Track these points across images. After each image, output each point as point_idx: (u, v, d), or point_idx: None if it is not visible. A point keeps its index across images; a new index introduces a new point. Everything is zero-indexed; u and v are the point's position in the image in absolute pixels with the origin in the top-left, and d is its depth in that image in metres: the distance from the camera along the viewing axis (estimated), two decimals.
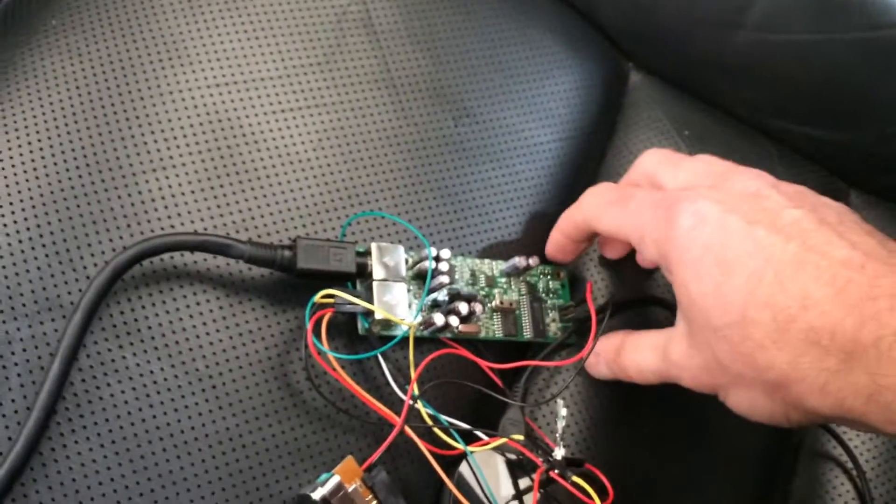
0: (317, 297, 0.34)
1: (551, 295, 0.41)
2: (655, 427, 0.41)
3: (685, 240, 0.32)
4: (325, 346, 0.34)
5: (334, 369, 0.34)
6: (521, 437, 0.36)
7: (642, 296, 0.43)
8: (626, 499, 0.36)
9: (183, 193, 0.37)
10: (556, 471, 0.35)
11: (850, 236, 0.30)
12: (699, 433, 0.42)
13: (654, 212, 0.33)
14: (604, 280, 0.43)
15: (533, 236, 0.44)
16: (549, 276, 0.42)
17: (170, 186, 0.36)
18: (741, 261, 0.30)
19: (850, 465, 0.43)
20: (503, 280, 0.40)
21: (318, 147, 0.40)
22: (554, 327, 0.41)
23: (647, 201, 0.34)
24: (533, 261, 0.40)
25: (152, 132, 0.37)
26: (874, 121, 0.49)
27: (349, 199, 0.40)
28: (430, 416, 0.35)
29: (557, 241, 0.41)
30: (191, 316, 0.35)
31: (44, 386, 0.31)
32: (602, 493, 0.34)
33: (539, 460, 0.35)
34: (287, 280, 0.37)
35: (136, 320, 0.34)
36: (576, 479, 0.34)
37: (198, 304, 0.35)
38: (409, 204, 0.41)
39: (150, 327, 0.34)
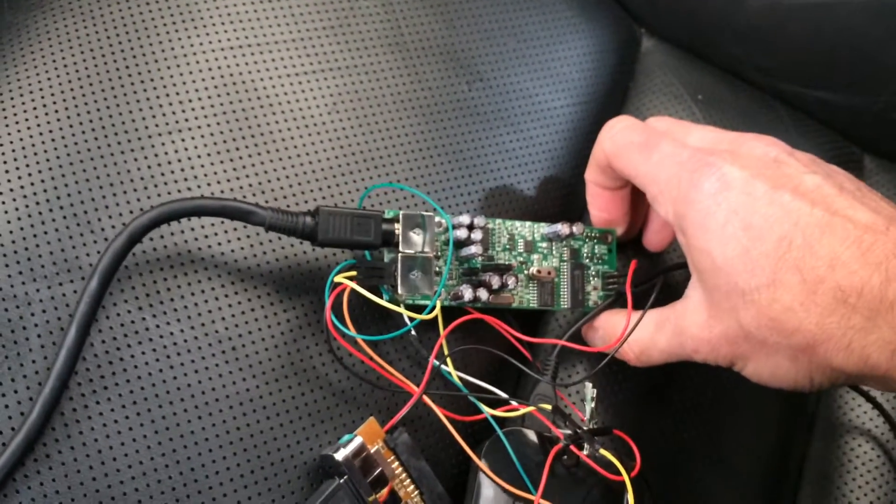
0: (335, 276, 0.33)
1: (596, 260, 0.39)
2: (682, 399, 0.41)
3: (709, 204, 0.31)
4: (347, 323, 0.33)
5: (357, 349, 0.34)
6: (548, 407, 0.35)
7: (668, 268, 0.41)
8: (652, 469, 0.37)
9: (199, 156, 0.36)
10: (581, 442, 0.34)
11: (868, 202, 0.30)
12: (722, 403, 0.42)
13: (678, 170, 0.33)
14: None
15: (552, 204, 0.44)
16: (595, 240, 0.39)
17: (185, 149, 0.36)
18: (769, 225, 0.30)
19: (867, 425, 0.43)
20: (543, 245, 0.38)
21: (332, 111, 0.40)
22: (595, 296, 0.39)
23: (673, 158, 0.34)
24: (577, 228, 0.38)
25: (167, 95, 0.37)
26: (887, 84, 0.48)
27: (364, 162, 0.39)
28: (456, 381, 0.35)
29: (591, 191, 0.39)
30: (209, 279, 0.35)
31: (60, 350, 0.31)
32: (628, 464, 0.34)
33: (560, 433, 0.34)
34: (308, 247, 0.36)
35: (154, 283, 0.34)
36: (603, 451, 0.33)
37: (216, 268, 0.35)
38: (423, 168, 0.41)
39: (168, 289, 0.34)
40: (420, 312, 0.34)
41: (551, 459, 0.33)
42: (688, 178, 0.32)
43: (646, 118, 0.48)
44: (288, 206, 0.37)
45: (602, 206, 0.39)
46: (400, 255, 0.34)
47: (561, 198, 0.44)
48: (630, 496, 0.32)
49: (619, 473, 0.33)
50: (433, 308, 0.34)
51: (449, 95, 0.43)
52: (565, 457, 0.34)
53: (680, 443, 0.41)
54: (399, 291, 0.34)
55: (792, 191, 0.30)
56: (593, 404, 0.36)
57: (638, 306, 0.37)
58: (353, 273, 0.34)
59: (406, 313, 0.34)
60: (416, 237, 0.35)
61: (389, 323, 0.37)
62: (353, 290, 0.33)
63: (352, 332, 0.33)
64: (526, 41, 0.46)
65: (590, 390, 0.36)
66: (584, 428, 0.34)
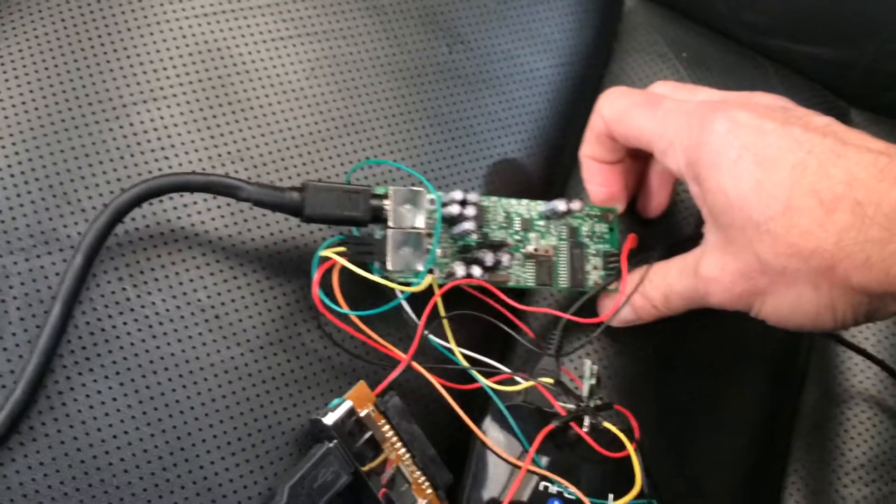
0: (322, 251, 0.33)
1: (596, 239, 0.38)
2: (681, 365, 0.41)
3: (720, 143, 0.31)
4: (338, 299, 0.32)
5: (346, 324, 0.34)
6: (550, 381, 0.35)
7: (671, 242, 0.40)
8: (651, 434, 0.36)
9: (176, 125, 0.36)
10: (581, 419, 0.34)
11: (876, 139, 0.30)
12: (719, 365, 0.42)
13: (686, 119, 0.33)
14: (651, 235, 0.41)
15: (537, 167, 0.43)
16: (595, 219, 0.38)
17: (161, 118, 0.36)
18: (782, 155, 0.30)
19: (858, 377, 0.43)
20: (541, 223, 0.37)
21: (310, 76, 0.39)
22: (595, 275, 0.38)
23: (679, 109, 0.34)
24: (575, 205, 0.37)
25: (141, 63, 0.36)
26: (873, 37, 0.48)
27: (345, 128, 0.39)
28: (453, 349, 0.34)
29: (587, 168, 0.38)
30: (193, 252, 0.34)
31: (45, 328, 0.31)
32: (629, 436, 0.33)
33: (561, 408, 0.34)
34: (295, 223, 0.36)
35: (137, 256, 0.34)
36: (606, 424, 0.33)
37: (200, 242, 0.35)
38: (405, 132, 0.40)
39: (150, 260, 0.34)
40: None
41: (541, 438, 0.33)
42: (698, 125, 0.32)
43: (631, 77, 0.48)
44: (268, 173, 0.37)
45: (601, 181, 0.38)
46: (390, 230, 0.34)
47: (546, 160, 0.44)
48: (637, 470, 0.32)
49: (616, 447, 0.33)
50: (424, 279, 0.34)
51: (429, 59, 0.42)
52: (569, 432, 0.34)
53: (679, 407, 0.41)
54: (389, 267, 0.33)
55: (802, 126, 0.31)
56: (593, 381, 0.36)
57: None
58: (342, 249, 0.33)
59: (397, 287, 0.34)
60: (407, 213, 0.34)
61: (379, 302, 0.35)
62: (343, 267, 0.33)
63: (343, 308, 0.33)
64: (507, 1, 0.45)
65: (589, 368, 0.36)
66: (585, 404, 0.34)
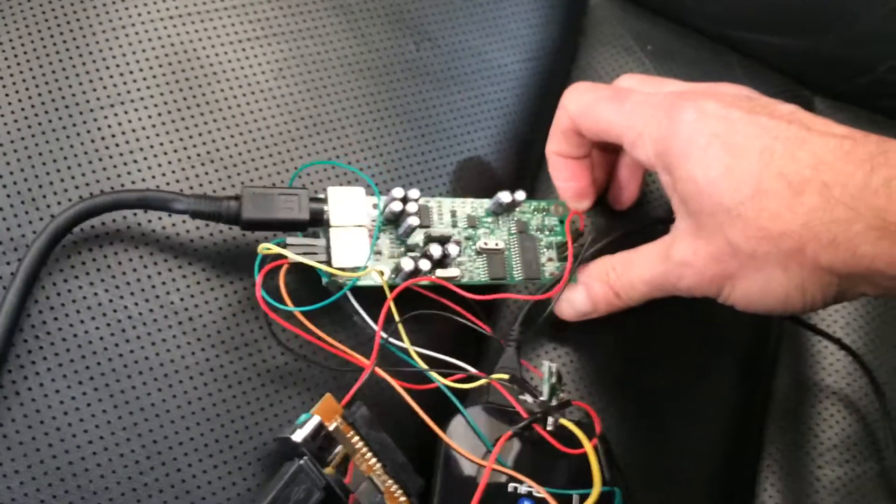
0: (260, 249, 0.32)
1: (547, 232, 0.39)
2: (648, 357, 0.41)
3: (689, 132, 0.32)
4: (287, 301, 0.32)
5: (295, 325, 0.33)
6: (505, 377, 0.35)
7: (629, 228, 0.40)
8: (621, 428, 0.37)
9: (144, 128, 0.36)
10: (544, 418, 0.34)
11: (840, 125, 0.31)
12: (688, 355, 0.42)
13: (654, 111, 0.33)
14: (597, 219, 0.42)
15: (506, 163, 0.43)
16: (544, 213, 0.39)
17: (129, 122, 0.36)
18: (750, 141, 0.31)
19: (829, 360, 0.44)
20: (489, 220, 0.38)
21: (278, 76, 0.39)
22: (551, 266, 0.38)
23: (646, 102, 0.34)
24: (519, 195, 0.37)
25: (107, 67, 0.36)
26: (836, 25, 0.49)
27: (315, 126, 0.39)
28: (411, 353, 0.34)
29: (554, 164, 0.39)
30: (160, 253, 0.34)
31: None
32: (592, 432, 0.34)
33: (523, 411, 0.34)
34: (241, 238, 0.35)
35: (105, 257, 0.33)
36: (563, 421, 0.33)
37: (166, 242, 0.34)
38: (375, 130, 0.40)
39: (120, 262, 0.34)
40: (357, 293, 0.33)
41: (501, 445, 0.33)
42: (666, 116, 0.33)
43: (598, 71, 0.48)
44: (238, 174, 0.37)
45: (568, 176, 0.39)
46: (332, 228, 0.34)
47: (515, 155, 0.44)
48: (595, 466, 0.32)
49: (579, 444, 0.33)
50: (365, 267, 0.34)
51: (396, 56, 0.42)
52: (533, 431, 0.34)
53: (649, 398, 0.41)
54: (334, 263, 0.33)
55: (768, 114, 0.31)
56: (554, 380, 0.36)
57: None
58: (272, 244, 0.32)
59: (342, 274, 0.33)
60: (347, 212, 0.34)
61: (332, 308, 0.34)
62: (289, 272, 0.33)
63: (289, 306, 0.32)
64: None
65: (548, 367, 0.36)
66: (543, 401, 0.34)
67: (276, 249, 0.32)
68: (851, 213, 0.29)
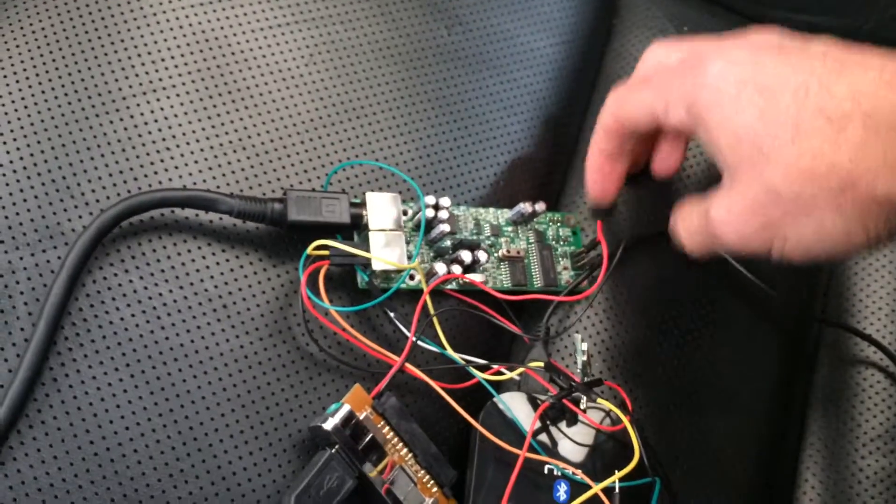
0: (309, 249, 0.33)
1: (562, 242, 0.40)
2: (679, 339, 0.41)
3: (717, 81, 0.31)
4: (324, 299, 0.33)
5: (333, 322, 0.34)
6: (540, 364, 0.35)
7: (658, 230, 0.40)
8: (654, 412, 0.36)
9: (176, 115, 0.36)
10: (576, 397, 0.34)
11: (874, 54, 0.30)
12: (721, 339, 0.41)
13: (681, 70, 0.33)
14: (617, 224, 0.42)
15: (540, 146, 0.43)
16: (559, 224, 0.40)
17: (161, 109, 0.36)
18: (782, 81, 0.30)
19: (865, 352, 0.43)
20: (509, 229, 0.39)
21: (309, 63, 0.39)
22: (566, 275, 0.39)
23: (670, 70, 0.34)
24: (539, 206, 0.38)
25: (139, 55, 0.36)
26: (875, 4, 0.47)
27: (346, 113, 0.39)
28: (445, 345, 0.34)
29: (595, 163, 0.39)
30: (195, 238, 0.34)
31: (34, 333, 0.30)
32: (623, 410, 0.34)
33: (553, 388, 0.34)
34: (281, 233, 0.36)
35: (140, 245, 0.33)
36: (601, 400, 0.33)
37: (204, 235, 0.34)
38: (406, 116, 0.40)
39: (154, 250, 0.34)
40: (394, 299, 0.34)
41: (538, 417, 0.33)
42: (692, 72, 0.32)
43: (633, 54, 0.48)
44: (270, 161, 0.37)
45: (600, 176, 0.39)
46: (371, 232, 0.35)
47: (550, 139, 0.43)
48: (635, 441, 0.32)
49: (614, 423, 0.33)
50: (415, 265, 0.35)
51: (428, 41, 0.42)
52: (566, 414, 0.34)
53: (681, 382, 0.40)
54: (374, 267, 0.34)
55: (798, 54, 0.31)
56: (585, 357, 0.36)
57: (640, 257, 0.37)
58: (326, 241, 0.33)
59: (392, 265, 0.34)
60: (386, 215, 0.35)
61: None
62: (331, 272, 0.34)
63: (327, 304, 0.33)
64: None
65: (580, 343, 0.36)
66: (576, 382, 0.34)
67: (333, 243, 0.33)
68: None
